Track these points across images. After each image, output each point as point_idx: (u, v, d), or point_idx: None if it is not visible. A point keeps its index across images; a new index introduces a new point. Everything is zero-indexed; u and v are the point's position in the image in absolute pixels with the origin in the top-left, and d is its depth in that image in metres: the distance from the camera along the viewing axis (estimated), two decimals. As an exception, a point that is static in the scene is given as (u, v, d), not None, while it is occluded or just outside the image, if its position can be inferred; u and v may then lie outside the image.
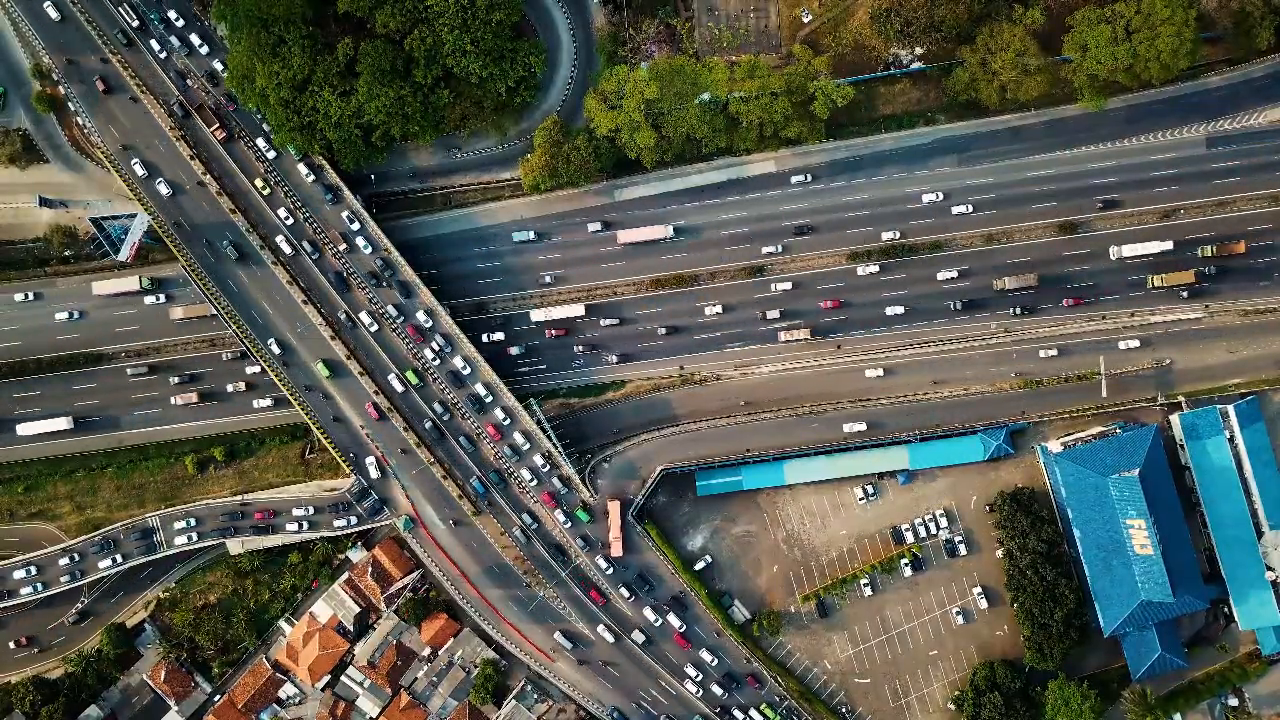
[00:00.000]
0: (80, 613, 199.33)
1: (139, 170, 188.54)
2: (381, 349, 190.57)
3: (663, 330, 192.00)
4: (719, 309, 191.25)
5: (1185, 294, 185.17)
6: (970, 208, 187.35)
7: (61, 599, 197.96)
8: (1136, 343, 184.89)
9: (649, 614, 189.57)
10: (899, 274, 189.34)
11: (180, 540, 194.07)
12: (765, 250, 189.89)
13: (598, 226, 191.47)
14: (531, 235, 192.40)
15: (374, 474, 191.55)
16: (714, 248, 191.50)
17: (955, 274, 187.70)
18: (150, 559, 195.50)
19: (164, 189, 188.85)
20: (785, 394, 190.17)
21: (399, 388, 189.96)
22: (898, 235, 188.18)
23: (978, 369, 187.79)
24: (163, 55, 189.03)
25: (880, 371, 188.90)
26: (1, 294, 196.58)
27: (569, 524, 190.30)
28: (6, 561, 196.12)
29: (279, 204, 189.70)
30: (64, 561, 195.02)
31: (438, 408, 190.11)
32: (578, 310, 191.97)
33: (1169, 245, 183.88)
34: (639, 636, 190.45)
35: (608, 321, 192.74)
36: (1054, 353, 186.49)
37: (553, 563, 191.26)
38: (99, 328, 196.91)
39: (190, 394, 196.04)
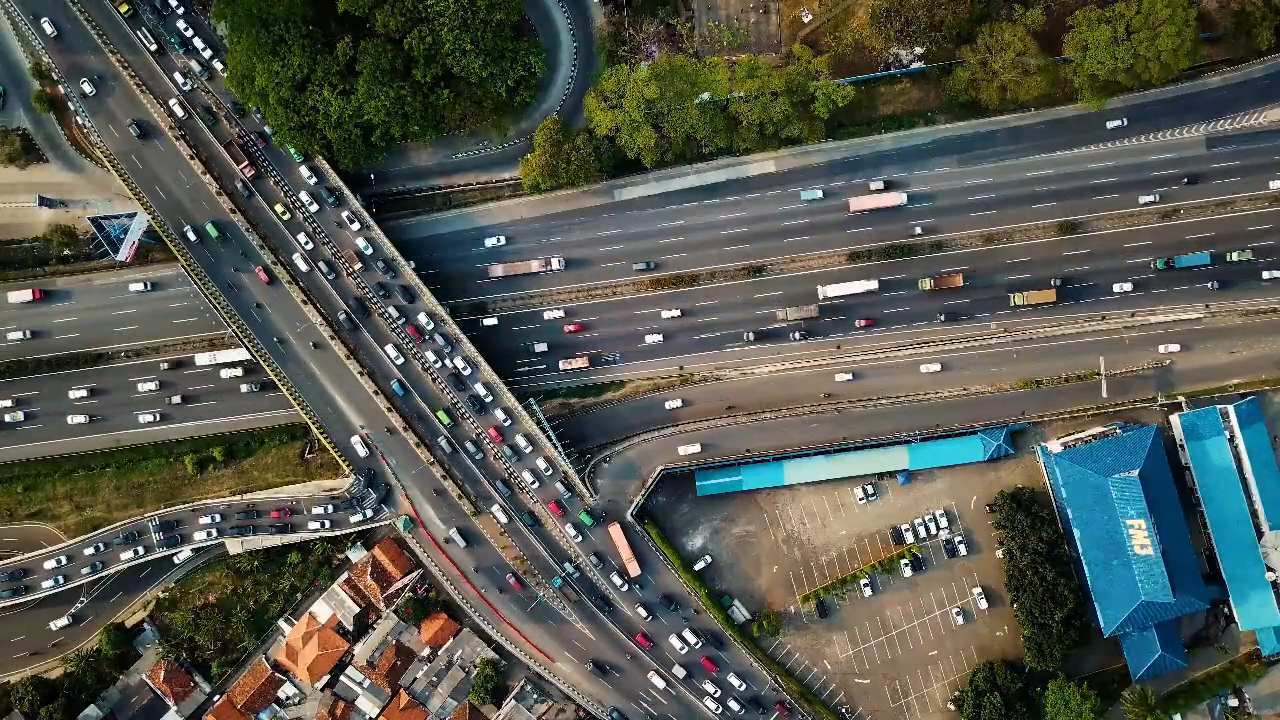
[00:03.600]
0: (78, 614, 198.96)
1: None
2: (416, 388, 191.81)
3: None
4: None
5: (964, 317, 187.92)
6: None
7: (61, 599, 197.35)
8: (938, 367, 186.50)
9: (673, 641, 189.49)
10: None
11: (200, 535, 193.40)
12: (1143, 199, 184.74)
13: (880, 185, 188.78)
14: (820, 194, 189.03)
15: (362, 452, 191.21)
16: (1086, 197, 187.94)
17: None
18: (170, 553, 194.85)
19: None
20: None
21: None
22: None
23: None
24: (187, 88, 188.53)
25: (677, 403, 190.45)
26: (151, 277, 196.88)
27: (579, 538, 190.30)
28: (27, 556, 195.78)
29: (299, 229, 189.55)
30: (88, 551, 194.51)
31: (470, 447, 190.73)
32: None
33: (873, 285, 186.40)
34: (680, 671, 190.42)
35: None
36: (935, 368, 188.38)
37: (589, 602, 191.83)
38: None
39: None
